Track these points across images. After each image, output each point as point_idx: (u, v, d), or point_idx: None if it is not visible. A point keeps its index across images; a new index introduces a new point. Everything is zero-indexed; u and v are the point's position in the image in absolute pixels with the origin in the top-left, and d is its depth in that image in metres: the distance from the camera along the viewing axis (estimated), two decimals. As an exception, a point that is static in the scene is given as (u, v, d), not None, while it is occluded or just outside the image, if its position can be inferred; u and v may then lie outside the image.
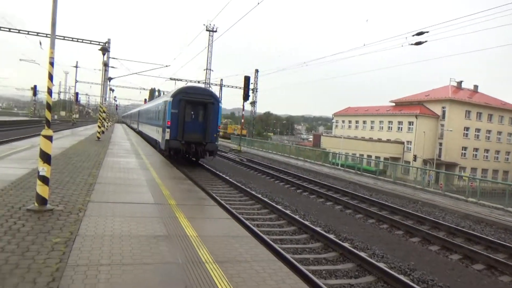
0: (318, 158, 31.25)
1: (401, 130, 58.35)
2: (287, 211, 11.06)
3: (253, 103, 64.72)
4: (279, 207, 11.53)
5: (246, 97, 34.68)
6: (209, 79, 76.97)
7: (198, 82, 68.83)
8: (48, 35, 30.46)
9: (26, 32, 30.80)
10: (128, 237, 5.01)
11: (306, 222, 9.88)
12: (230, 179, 16.39)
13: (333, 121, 74.73)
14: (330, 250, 8.26)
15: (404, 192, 17.68)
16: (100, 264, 4.03)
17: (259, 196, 13.02)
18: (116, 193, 7.77)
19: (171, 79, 61.86)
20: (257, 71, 63.40)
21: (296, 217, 10.41)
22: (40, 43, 30.59)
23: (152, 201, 7.32)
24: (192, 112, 16.63)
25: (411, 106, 59.13)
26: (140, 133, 35.25)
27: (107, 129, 36.17)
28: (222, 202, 11.29)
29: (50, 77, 6.12)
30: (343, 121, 72.62)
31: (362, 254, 7.73)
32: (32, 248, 4.27)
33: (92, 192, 7.48)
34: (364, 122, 67.75)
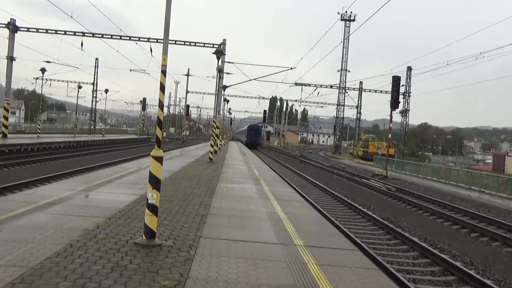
0: (502, 188, 28.22)
1: None
2: (457, 264, 10.16)
3: (405, 112, 62.09)
4: (444, 256, 10.69)
5: (395, 104, 33.55)
6: (345, 82, 77.09)
7: (331, 86, 69.47)
8: (159, 40, 34.39)
9: (137, 39, 35.29)
10: (247, 284, 5.16)
11: (488, 281, 8.93)
12: (374, 215, 15.93)
13: (524, 135, 67.06)
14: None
15: None
16: (213, 318, 4.22)
17: (415, 239, 12.30)
18: (231, 227, 8.15)
19: (296, 84, 63.83)
20: (409, 69, 60.93)
21: (471, 272, 9.49)
22: (151, 50, 34.65)
23: (275, 240, 7.46)
24: (253, 132, 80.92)
25: None
26: (239, 140, 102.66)
27: (220, 148, 38.75)
28: (364, 245, 10.96)
29: (162, 89, 6.69)
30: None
31: None
32: (139, 290, 4.70)
33: (204, 226, 7.98)
34: None
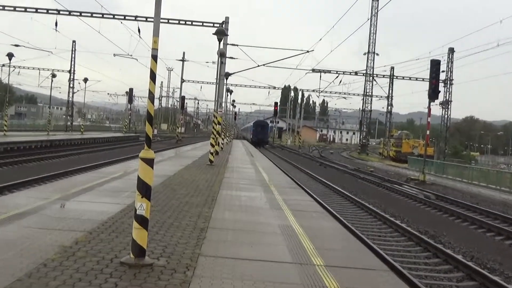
0: None
1: None
2: (511, 287, 10.11)
3: (446, 104, 61.82)
4: (495, 278, 10.63)
5: (434, 94, 33.39)
6: (372, 67, 76.93)
7: (356, 73, 69.33)
8: (149, 19, 34.52)
9: (122, 17, 35.45)
10: (255, 312, 5.16)
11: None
12: (408, 228, 15.88)
13: None
14: None
15: None
16: None
17: (459, 257, 12.25)
18: (236, 244, 8.16)
19: (313, 70, 63.71)
20: (451, 51, 60.57)
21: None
22: (139, 31, 34.83)
23: (289, 258, 7.46)
24: (259, 128, 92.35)
25: None
26: (244, 137, 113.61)
27: (222, 148, 38.81)
28: (397, 265, 10.94)
29: (153, 77, 6.68)
30: None
31: None
32: (126, 319, 4.73)
33: (203, 242, 7.99)
34: None
